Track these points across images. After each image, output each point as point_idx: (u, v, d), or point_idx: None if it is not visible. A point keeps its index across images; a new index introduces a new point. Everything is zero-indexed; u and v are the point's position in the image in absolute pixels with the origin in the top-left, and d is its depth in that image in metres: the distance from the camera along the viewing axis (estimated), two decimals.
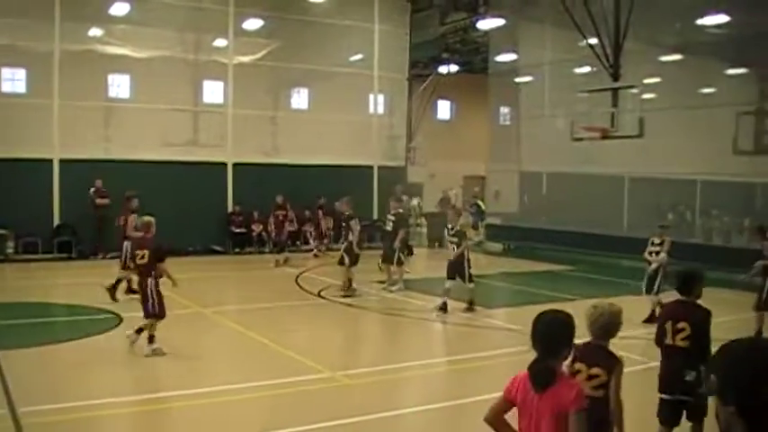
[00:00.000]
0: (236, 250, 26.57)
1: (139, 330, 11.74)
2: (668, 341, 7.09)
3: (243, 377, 10.54)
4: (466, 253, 16.40)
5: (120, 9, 25.62)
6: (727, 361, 2.68)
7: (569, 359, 5.39)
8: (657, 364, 7.32)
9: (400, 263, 19.05)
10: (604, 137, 20.51)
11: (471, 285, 16.28)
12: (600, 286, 21.23)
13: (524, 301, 17.67)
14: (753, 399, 2.59)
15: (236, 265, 23.97)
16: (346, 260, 18.07)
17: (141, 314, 11.88)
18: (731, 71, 29.15)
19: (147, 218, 12.81)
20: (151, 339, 11.70)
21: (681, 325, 6.96)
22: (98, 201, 23.94)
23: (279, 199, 24.20)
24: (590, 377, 5.56)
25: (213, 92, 28.97)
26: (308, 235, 28.23)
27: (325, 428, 8.46)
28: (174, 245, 23.89)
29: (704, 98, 28.53)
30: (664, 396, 7.01)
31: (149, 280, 11.88)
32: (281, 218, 24.11)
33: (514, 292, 18.67)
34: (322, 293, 18.09)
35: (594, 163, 26.58)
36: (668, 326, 7.08)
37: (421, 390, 10.95)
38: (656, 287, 15.25)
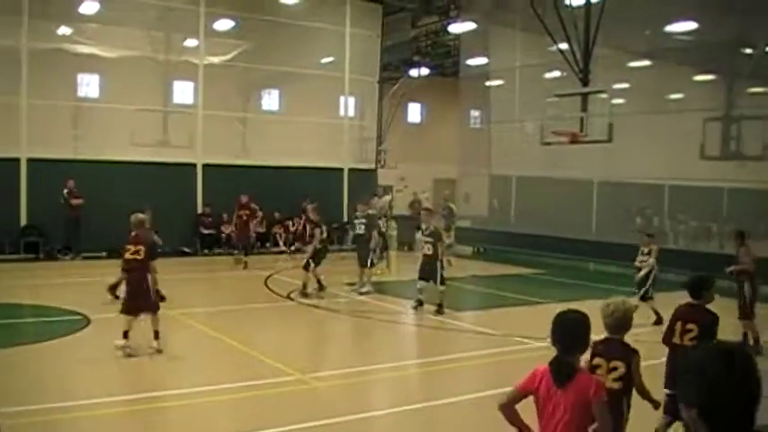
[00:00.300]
0: (205, 252, 26.47)
1: (125, 334, 11.61)
2: (676, 340, 7.53)
3: (211, 380, 10.50)
4: (440, 254, 16.47)
5: (89, 7, 25.41)
6: (689, 365, 2.73)
7: (589, 355, 5.89)
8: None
9: (371, 265, 19.07)
10: (573, 141, 20.58)
11: (442, 288, 16.35)
12: (568, 289, 21.31)
13: (493, 305, 17.79)
14: (713, 402, 2.64)
15: (204, 266, 23.86)
16: (311, 265, 18.14)
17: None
18: (699, 77, 29.43)
19: (140, 215, 12.77)
20: (156, 335, 11.81)
21: (689, 326, 7.43)
22: (73, 201, 23.76)
23: (243, 198, 23.93)
24: (610, 370, 5.93)
25: (183, 92, 28.83)
26: (278, 237, 28.19)
27: (294, 431, 8.44)
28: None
29: (672, 104, 28.80)
30: (669, 392, 7.21)
31: (147, 275, 11.91)
32: (244, 218, 23.91)
33: (484, 295, 18.74)
34: (291, 295, 18.05)
35: (564, 167, 26.74)
36: (678, 326, 7.55)
37: (390, 392, 10.96)
38: (649, 292, 15.26)
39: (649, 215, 29.57)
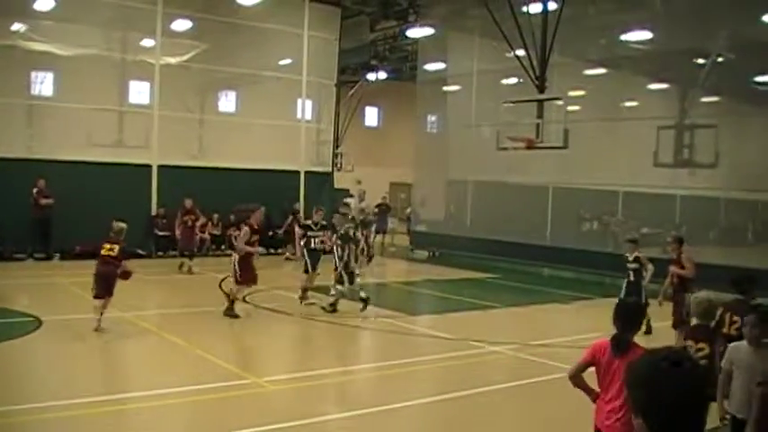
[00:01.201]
0: (160, 254, 26.22)
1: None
2: (725, 330, 8.17)
3: (164, 383, 10.42)
4: (345, 255, 16.90)
5: (44, 4, 25.02)
6: (631, 376, 2.78)
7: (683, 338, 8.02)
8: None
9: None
10: (529, 147, 20.78)
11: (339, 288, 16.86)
12: (523, 294, 21.50)
13: (448, 309, 17.84)
14: (653, 412, 2.69)
15: (159, 268, 23.63)
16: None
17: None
18: (653, 86, 29.87)
19: (122, 224, 14.36)
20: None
21: (735, 318, 8.10)
22: (42, 201, 23.46)
23: (187, 203, 23.62)
24: (698, 350, 7.12)
25: (140, 92, 28.52)
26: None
27: None
28: (97, 247, 23.62)
29: (627, 111, 29.19)
30: None
31: (116, 270, 13.74)
32: (189, 223, 23.68)
33: (438, 299, 18.83)
34: (246, 299, 17.97)
35: (520, 173, 26.93)
36: (727, 317, 8.26)
37: (344, 396, 10.97)
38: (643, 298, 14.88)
39: (606, 221, 29.93)
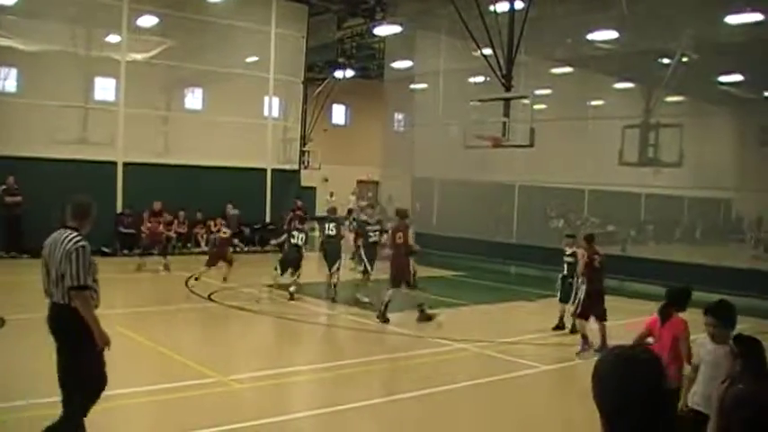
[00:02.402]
0: (125, 252, 26.00)
1: None
2: None
3: (130, 382, 10.32)
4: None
5: None
6: (597, 373, 2.80)
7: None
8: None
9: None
10: (496, 145, 20.83)
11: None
12: (489, 292, 21.58)
13: (414, 306, 17.82)
14: (613, 414, 2.72)
15: (124, 266, 23.44)
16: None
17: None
18: (618, 85, 30.09)
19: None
20: None
21: None
22: (7, 199, 23.24)
23: (156, 205, 23.47)
24: None
25: (105, 89, 28.28)
26: (200, 237, 27.93)
27: None
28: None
29: (593, 110, 29.40)
30: None
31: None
32: (158, 226, 23.49)
33: (405, 297, 18.77)
34: (212, 297, 17.91)
35: (486, 171, 27.00)
36: None
37: (310, 394, 10.95)
38: (572, 297, 14.88)
39: (572, 219, 30.12)
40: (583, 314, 13.58)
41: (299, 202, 29.20)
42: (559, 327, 15.43)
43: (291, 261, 18.68)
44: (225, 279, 19.78)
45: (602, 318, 13.52)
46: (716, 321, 6.61)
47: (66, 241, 7.17)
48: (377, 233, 18.25)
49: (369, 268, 18.16)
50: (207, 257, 20.35)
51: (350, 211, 27.63)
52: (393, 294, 16.15)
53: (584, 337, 13.33)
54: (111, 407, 9.13)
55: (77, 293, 6.97)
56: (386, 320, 15.92)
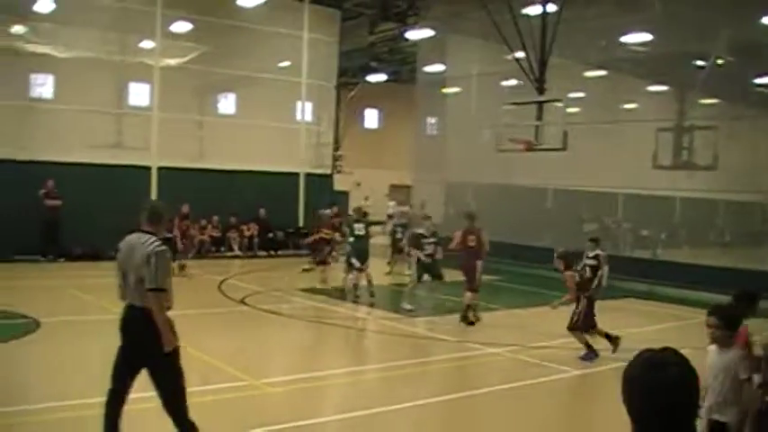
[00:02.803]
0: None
1: None
2: None
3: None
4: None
5: (44, 6, 25.03)
6: (625, 377, 2.79)
7: None
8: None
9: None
10: (528, 149, 20.78)
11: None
12: (524, 296, 21.51)
13: (449, 310, 17.82)
14: (641, 417, 2.71)
15: None
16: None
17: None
18: (652, 88, 29.88)
19: None
20: None
21: None
22: (48, 202, 23.53)
23: (185, 208, 23.26)
24: None
25: (139, 94, 28.56)
26: (232, 241, 28.10)
27: None
28: (98, 248, 23.63)
29: (626, 113, 29.19)
30: None
31: None
32: (184, 228, 23.39)
33: (438, 302, 18.77)
34: (245, 300, 17.98)
35: (519, 175, 26.91)
36: None
37: (343, 398, 10.95)
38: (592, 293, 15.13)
39: (607, 224, 29.94)
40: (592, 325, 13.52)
41: (335, 208, 29.24)
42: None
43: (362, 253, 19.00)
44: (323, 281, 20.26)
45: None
46: (719, 323, 6.37)
47: (145, 245, 7.37)
48: (432, 245, 17.93)
49: (419, 278, 17.93)
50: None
51: (389, 217, 27.61)
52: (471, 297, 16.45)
53: (589, 345, 13.26)
54: (142, 408, 9.19)
55: (154, 295, 7.20)
56: (470, 323, 16.27)
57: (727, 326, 6.35)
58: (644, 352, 2.82)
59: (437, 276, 18.00)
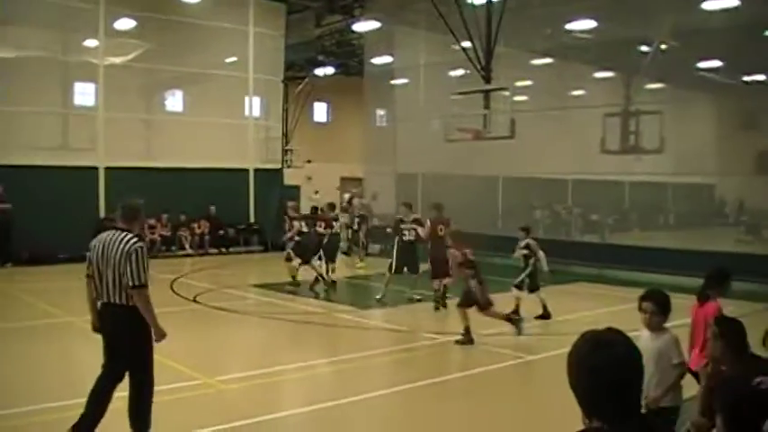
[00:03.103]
0: None
1: None
2: None
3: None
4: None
5: None
6: (567, 361, 2.81)
7: None
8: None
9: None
10: (477, 138, 20.87)
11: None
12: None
13: (401, 301, 17.85)
14: (587, 398, 2.73)
15: None
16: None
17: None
18: (598, 74, 30.15)
19: None
20: None
21: None
22: None
23: None
24: None
25: (84, 94, 28.14)
26: (183, 240, 27.88)
27: None
28: (44, 252, 23.31)
29: (573, 100, 29.44)
30: None
31: None
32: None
33: (392, 292, 18.77)
34: (197, 299, 17.85)
35: (469, 164, 26.99)
36: None
37: (297, 392, 10.90)
38: (524, 284, 15.82)
39: (558, 210, 30.20)
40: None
41: (292, 203, 29.24)
42: (544, 316, 15.52)
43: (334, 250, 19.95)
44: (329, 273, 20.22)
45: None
46: (655, 308, 6.40)
47: (123, 242, 7.44)
48: (412, 231, 18.12)
49: (396, 269, 18.11)
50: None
51: (345, 210, 27.70)
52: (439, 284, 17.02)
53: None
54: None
55: (138, 292, 7.38)
56: (443, 305, 16.82)
57: (662, 311, 6.39)
58: (587, 333, 2.83)
59: (413, 270, 18.21)
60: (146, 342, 7.59)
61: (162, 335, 7.62)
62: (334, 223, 20.44)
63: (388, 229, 20.04)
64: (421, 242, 18.00)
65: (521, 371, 12.10)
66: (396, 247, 18.14)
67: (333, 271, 19.92)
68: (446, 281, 16.94)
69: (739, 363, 5.56)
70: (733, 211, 30.55)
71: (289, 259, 19.46)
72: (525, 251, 15.76)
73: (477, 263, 14.02)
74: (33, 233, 23.15)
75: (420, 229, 17.83)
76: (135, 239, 7.48)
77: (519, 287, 15.77)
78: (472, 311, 13.28)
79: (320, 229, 19.71)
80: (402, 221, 18.38)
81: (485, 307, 13.40)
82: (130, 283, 7.31)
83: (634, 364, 2.74)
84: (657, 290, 6.59)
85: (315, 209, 21.58)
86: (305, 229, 19.43)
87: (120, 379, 7.70)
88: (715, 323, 6.00)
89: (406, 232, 18.09)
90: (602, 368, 2.68)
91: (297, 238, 19.28)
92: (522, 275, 15.82)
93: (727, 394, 4.23)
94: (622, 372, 2.70)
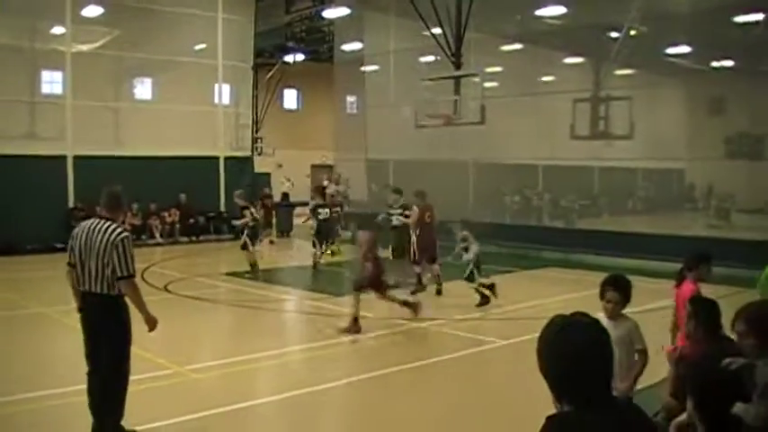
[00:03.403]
0: None
1: None
2: None
3: (81, 377, 10.20)
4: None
5: None
6: (537, 346, 2.84)
7: None
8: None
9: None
10: (447, 124, 20.92)
11: None
12: (446, 270, 21.57)
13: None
14: (557, 381, 2.75)
15: None
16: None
17: None
18: (568, 60, 30.28)
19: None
20: None
21: None
22: None
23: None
24: None
25: (51, 82, 27.88)
26: (154, 228, 27.75)
27: (173, 425, 8.34)
28: (13, 242, 23.11)
29: (543, 86, 29.55)
30: None
31: None
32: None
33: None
34: (168, 287, 17.77)
35: (440, 150, 27.02)
36: None
37: (270, 380, 10.89)
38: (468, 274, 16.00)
39: (528, 195, 30.32)
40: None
41: (266, 190, 29.47)
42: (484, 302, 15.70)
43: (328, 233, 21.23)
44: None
45: None
46: (619, 296, 6.26)
47: (107, 232, 7.39)
48: (400, 218, 18.54)
49: (416, 257, 18.25)
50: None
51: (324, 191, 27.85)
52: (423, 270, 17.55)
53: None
54: (67, 403, 9.03)
55: (127, 282, 7.36)
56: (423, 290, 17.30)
57: (626, 299, 6.28)
58: (556, 317, 2.85)
59: (399, 255, 18.58)
60: (125, 332, 7.65)
61: (153, 322, 7.80)
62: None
63: (379, 218, 20.05)
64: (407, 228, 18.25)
65: (491, 355, 12.15)
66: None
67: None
68: (435, 266, 17.46)
69: (713, 341, 5.63)
70: (702, 196, 30.81)
71: (244, 247, 19.68)
72: (464, 243, 16.02)
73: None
74: (1, 223, 22.96)
75: (408, 214, 18.18)
76: (120, 229, 7.45)
77: (470, 279, 15.81)
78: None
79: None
80: (391, 207, 19.00)
81: (382, 290, 13.69)
82: (119, 274, 7.28)
83: (604, 348, 2.76)
84: (621, 276, 6.42)
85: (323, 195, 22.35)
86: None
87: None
88: (690, 302, 6.06)
89: (394, 218, 18.55)
90: (571, 352, 2.70)
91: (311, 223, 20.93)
92: (467, 270, 15.89)
93: (696, 376, 4.28)
94: (592, 355, 2.72)
